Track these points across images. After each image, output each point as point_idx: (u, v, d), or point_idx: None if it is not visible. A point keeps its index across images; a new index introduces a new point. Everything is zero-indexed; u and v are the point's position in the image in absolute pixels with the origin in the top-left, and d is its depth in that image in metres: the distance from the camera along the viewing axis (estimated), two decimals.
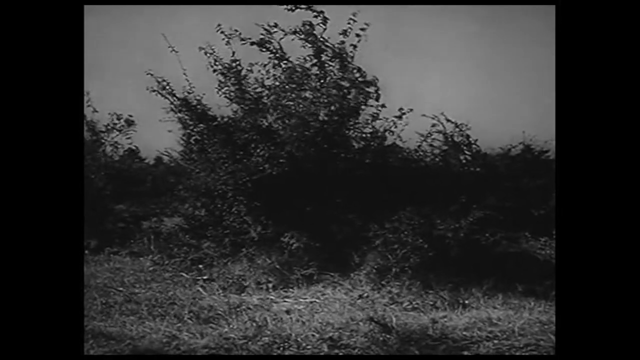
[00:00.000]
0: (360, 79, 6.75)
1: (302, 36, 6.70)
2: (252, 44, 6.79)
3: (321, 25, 6.70)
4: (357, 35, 6.70)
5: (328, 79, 6.73)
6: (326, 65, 6.77)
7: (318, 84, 6.73)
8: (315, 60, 6.77)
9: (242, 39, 6.76)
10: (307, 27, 6.68)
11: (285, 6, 6.66)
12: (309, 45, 6.75)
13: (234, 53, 6.90)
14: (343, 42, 6.74)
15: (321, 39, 6.72)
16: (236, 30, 6.76)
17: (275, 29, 6.72)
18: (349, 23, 6.70)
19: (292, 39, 6.77)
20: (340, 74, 6.76)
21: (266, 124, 6.85)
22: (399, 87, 7.03)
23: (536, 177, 7.75)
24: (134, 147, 10.04)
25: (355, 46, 6.73)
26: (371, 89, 6.76)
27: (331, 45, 6.74)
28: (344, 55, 6.74)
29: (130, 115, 9.42)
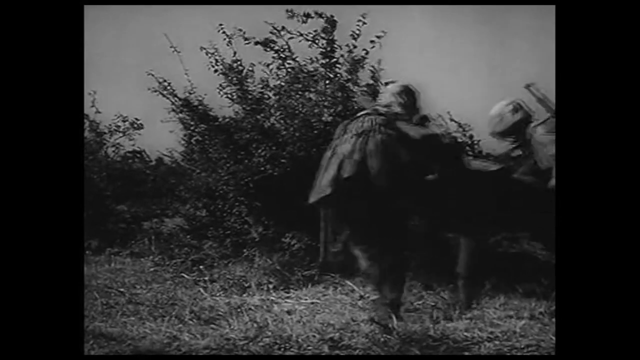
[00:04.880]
0: (371, 82, 6.76)
1: (312, 36, 6.70)
2: (257, 43, 6.78)
3: (330, 28, 6.70)
4: (372, 41, 6.71)
5: (336, 80, 6.73)
6: (335, 67, 6.77)
7: (324, 85, 6.73)
8: (323, 62, 6.77)
9: (246, 39, 6.76)
10: (319, 32, 6.68)
11: (296, 18, 6.66)
12: (316, 46, 6.75)
13: (235, 53, 6.91)
14: (354, 47, 6.74)
15: (331, 41, 6.72)
16: (240, 30, 6.76)
17: (283, 31, 6.72)
18: (357, 25, 6.70)
19: (300, 41, 6.78)
20: (347, 75, 6.76)
21: (268, 124, 6.85)
22: None
23: None
24: (137, 148, 10.06)
25: (367, 51, 6.74)
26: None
27: (339, 47, 6.75)
28: (355, 58, 6.74)
29: (137, 118, 9.45)
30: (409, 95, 4.82)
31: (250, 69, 6.96)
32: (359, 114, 4.79)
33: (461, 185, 4.87)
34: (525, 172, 5.11)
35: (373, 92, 6.70)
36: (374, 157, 4.40)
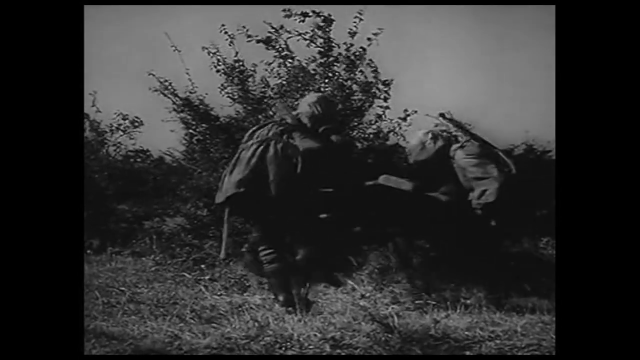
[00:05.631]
0: (370, 80, 6.76)
1: (310, 35, 6.70)
2: (259, 41, 6.78)
3: (327, 27, 6.70)
4: (369, 39, 6.72)
5: (334, 79, 6.73)
6: (333, 66, 6.77)
7: (322, 84, 6.73)
8: (321, 61, 6.77)
9: (249, 36, 6.76)
10: (316, 31, 6.69)
11: (294, 17, 6.66)
12: (315, 45, 6.75)
13: (237, 53, 6.93)
14: (352, 45, 6.75)
15: (328, 40, 6.73)
16: (244, 27, 6.76)
17: (282, 30, 6.73)
18: (354, 22, 6.71)
19: (298, 40, 6.79)
20: (346, 74, 6.76)
21: None
22: (401, 86, 7.02)
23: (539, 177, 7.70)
24: (139, 147, 10.07)
25: (364, 49, 6.75)
26: (381, 89, 6.77)
27: (337, 46, 6.75)
28: (351, 57, 6.75)
29: (137, 117, 9.46)
30: (323, 106, 4.98)
31: (252, 68, 6.98)
32: (267, 122, 5.03)
33: (367, 198, 5.10)
34: (445, 192, 5.17)
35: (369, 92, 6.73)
36: (271, 165, 4.63)
